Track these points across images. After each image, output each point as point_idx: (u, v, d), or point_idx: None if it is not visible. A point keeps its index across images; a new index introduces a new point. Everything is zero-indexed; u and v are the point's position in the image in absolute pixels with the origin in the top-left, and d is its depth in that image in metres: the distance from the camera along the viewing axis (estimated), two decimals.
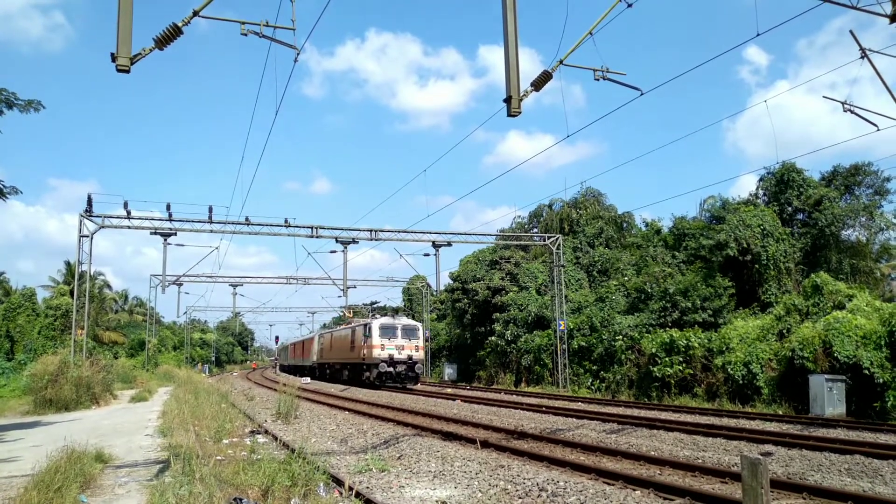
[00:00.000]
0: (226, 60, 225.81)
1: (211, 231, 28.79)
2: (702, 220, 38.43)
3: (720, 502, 7.83)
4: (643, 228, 45.83)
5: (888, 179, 34.47)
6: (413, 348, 36.06)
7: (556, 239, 35.64)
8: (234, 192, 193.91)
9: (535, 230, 49.93)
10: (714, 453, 11.69)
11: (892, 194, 35.01)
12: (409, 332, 36.63)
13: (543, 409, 21.03)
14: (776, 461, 10.86)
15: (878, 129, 14.32)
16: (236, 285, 49.04)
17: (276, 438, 13.57)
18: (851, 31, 13.04)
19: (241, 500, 7.37)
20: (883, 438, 13.50)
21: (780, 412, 19.73)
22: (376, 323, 36.50)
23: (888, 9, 13.12)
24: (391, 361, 35.04)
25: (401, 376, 35.51)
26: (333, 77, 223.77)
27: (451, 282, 50.08)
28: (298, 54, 12.19)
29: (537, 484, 9.03)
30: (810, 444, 12.35)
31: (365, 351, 36.55)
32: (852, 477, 9.73)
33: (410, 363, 35.68)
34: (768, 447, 12.21)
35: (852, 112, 14.56)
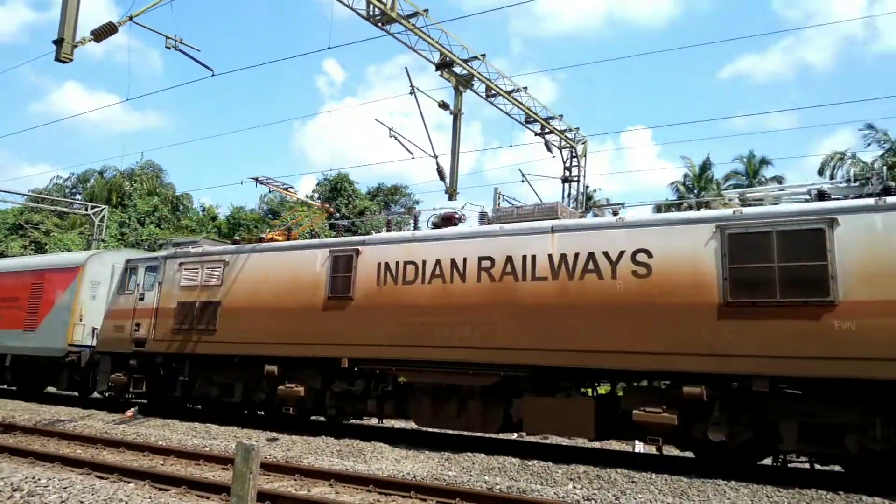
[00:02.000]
0: None
1: None
2: (259, 212, 39.65)
3: (212, 488, 8.06)
4: (200, 213, 44.98)
5: (417, 202, 42.70)
6: None
7: (101, 210, 32.14)
8: None
9: (79, 196, 44.45)
10: (224, 441, 11.96)
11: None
12: None
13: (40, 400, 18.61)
14: (280, 446, 11.66)
15: (413, 157, 16.93)
16: None
17: None
18: (406, 69, 15.19)
19: None
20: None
21: None
22: None
23: (436, 57, 15.93)
24: None
25: None
26: None
27: None
28: None
29: (12, 484, 7.86)
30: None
31: None
32: (341, 458, 11.01)
33: None
34: (275, 434, 13.00)
35: (396, 139, 16.89)
